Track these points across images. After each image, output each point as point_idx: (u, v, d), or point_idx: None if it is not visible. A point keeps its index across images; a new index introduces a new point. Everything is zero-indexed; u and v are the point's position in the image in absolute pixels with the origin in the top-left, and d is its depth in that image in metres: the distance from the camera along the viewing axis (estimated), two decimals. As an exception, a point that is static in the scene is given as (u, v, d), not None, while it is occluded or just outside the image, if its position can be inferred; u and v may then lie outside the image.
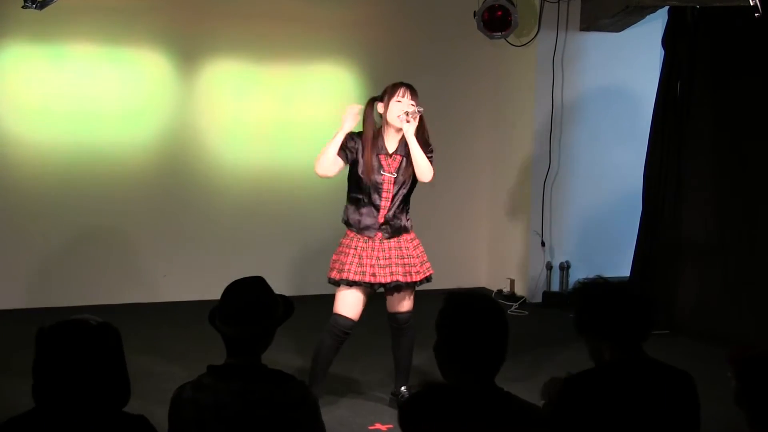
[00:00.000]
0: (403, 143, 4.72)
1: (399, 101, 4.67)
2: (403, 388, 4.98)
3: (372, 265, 4.70)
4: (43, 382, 2.46)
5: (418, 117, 4.65)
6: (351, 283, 4.70)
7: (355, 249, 4.73)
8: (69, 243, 7.12)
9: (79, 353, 2.44)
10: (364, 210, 4.75)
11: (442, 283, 7.37)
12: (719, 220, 6.80)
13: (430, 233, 7.95)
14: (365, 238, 4.74)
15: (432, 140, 4.84)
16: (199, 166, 7.44)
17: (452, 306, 2.66)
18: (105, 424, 2.48)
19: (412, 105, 4.67)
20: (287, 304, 3.01)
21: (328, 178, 4.80)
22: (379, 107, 4.73)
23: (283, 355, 5.51)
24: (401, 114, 4.64)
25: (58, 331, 2.48)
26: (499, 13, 7.05)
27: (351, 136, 4.73)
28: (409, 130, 4.63)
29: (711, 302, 6.75)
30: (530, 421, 2.58)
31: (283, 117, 7.55)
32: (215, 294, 3.03)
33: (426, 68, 7.77)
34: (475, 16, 7.09)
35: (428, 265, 4.88)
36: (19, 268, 7.02)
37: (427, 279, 4.87)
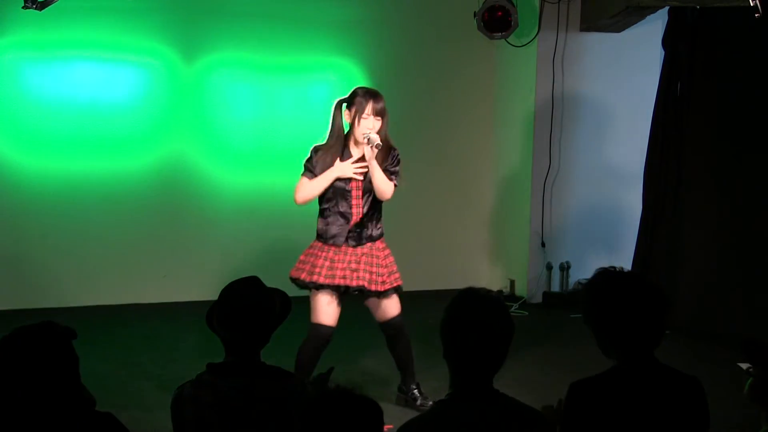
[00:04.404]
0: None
1: (366, 118, 4.62)
2: (413, 386, 4.95)
3: (343, 269, 4.67)
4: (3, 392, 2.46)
5: (377, 151, 4.58)
6: (319, 287, 4.65)
7: (327, 253, 4.70)
8: (69, 243, 7.12)
9: (28, 360, 2.44)
10: (330, 219, 4.71)
11: (442, 283, 7.42)
12: (719, 219, 6.79)
13: (430, 233, 7.99)
14: (334, 248, 4.70)
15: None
16: (199, 165, 7.44)
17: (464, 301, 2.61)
18: (73, 426, 2.48)
19: (376, 135, 4.58)
20: (284, 301, 3.02)
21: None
22: (346, 116, 4.69)
23: (279, 356, 5.50)
24: (366, 132, 4.60)
25: (7, 342, 2.49)
26: (500, 13, 7.06)
27: (314, 152, 4.71)
28: (371, 154, 4.59)
29: (711, 302, 6.74)
30: (526, 423, 2.57)
31: (283, 117, 7.55)
32: (215, 294, 3.03)
33: (426, 68, 7.78)
34: (475, 16, 7.09)
35: (397, 275, 4.79)
36: (19, 268, 7.02)
37: (395, 289, 4.78)
